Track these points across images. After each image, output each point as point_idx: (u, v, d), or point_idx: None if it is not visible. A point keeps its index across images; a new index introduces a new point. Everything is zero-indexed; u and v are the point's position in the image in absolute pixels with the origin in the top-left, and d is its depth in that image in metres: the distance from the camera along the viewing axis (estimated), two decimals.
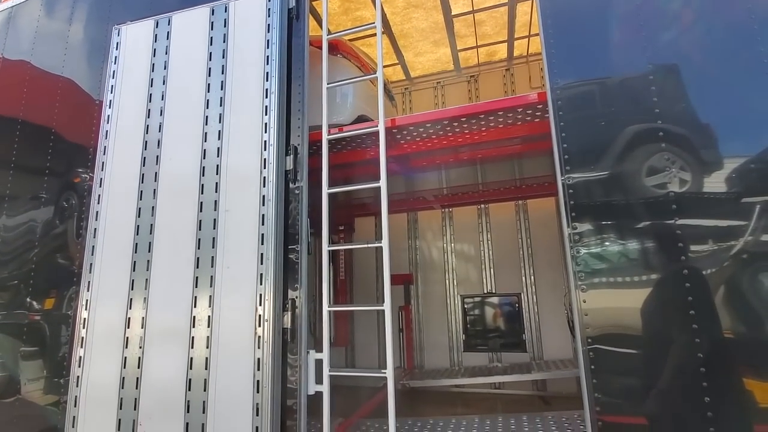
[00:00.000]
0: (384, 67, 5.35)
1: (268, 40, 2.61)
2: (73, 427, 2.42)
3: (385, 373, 2.12)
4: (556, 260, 4.57)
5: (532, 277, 4.75)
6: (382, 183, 2.32)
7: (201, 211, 2.47)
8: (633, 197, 1.89)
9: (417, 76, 5.67)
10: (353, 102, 3.23)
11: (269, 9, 2.67)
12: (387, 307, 2.18)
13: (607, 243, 1.87)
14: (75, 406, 2.45)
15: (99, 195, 2.74)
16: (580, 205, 1.91)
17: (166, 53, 2.84)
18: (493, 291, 4.87)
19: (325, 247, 2.39)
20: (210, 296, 2.33)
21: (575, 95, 2.04)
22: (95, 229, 2.69)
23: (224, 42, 2.70)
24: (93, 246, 2.67)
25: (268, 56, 2.58)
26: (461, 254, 5.10)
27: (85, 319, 2.56)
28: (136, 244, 2.57)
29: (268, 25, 2.64)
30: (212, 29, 2.76)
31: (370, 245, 2.27)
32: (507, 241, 4.89)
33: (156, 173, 2.64)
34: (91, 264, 2.65)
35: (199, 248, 2.42)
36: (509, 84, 5.32)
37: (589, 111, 2.01)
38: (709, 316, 1.72)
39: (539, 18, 2.18)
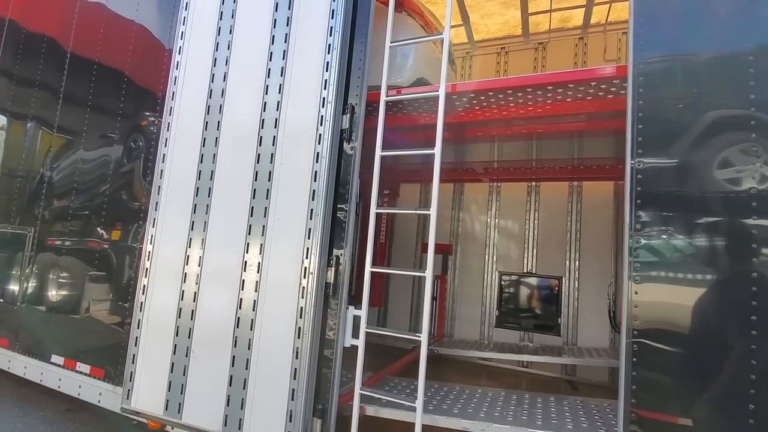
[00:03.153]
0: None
1: None
2: (135, 345, 2.72)
3: (419, 336, 2.19)
4: (604, 248, 4.38)
5: (577, 262, 4.60)
6: (437, 150, 2.28)
7: (258, 162, 2.56)
8: (708, 189, 1.74)
9: (480, 40, 5.38)
10: (413, 64, 3.14)
11: None
12: (429, 274, 2.22)
13: (671, 235, 1.76)
14: (138, 327, 2.74)
15: (166, 138, 2.90)
16: (649, 192, 1.79)
17: (235, 1, 2.86)
18: (534, 271, 4.78)
19: (373, 209, 2.42)
20: (261, 244, 2.46)
21: (661, 71, 1.86)
22: (162, 170, 2.87)
23: None
24: (159, 186, 2.86)
25: (333, 10, 2.54)
26: (504, 230, 5.00)
27: (149, 252, 2.80)
28: (198, 188, 2.72)
29: None
30: None
31: (419, 212, 2.28)
32: (555, 223, 4.72)
33: (219, 122, 2.75)
34: (156, 203, 2.85)
35: (254, 198, 2.53)
36: (581, 55, 4.93)
37: (673, 90, 1.83)
38: None
39: None
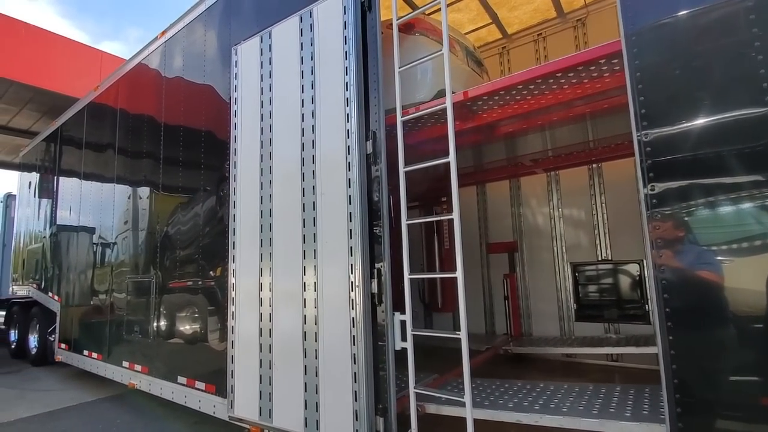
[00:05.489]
0: (475, 30, 5.19)
1: (345, 36, 2.87)
2: (232, 362, 3.25)
3: (459, 334, 2.31)
4: None
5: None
6: (452, 158, 2.43)
7: (303, 195, 2.95)
8: (723, 149, 1.64)
9: (515, 32, 5.31)
10: (432, 78, 3.32)
11: (345, 6, 2.92)
12: (459, 274, 2.34)
13: (690, 204, 1.68)
14: (232, 347, 3.27)
15: (234, 188, 3.46)
16: (660, 163, 1.74)
17: (270, 63, 3.35)
18: (609, 258, 4.48)
19: (404, 221, 2.63)
20: (314, 266, 2.82)
21: (654, 38, 1.81)
22: (234, 214, 3.43)
23: (311, 45, 3.07)
24: (234, 228, 3.42)
25: (346, 52, 2.86)
26: (570, 219, 4.78)
27: (233, 283, 3.35)
28: (261, 225, 3.20)
29: (345, 21, 2.90)
30: (302, 35, 3.15)
31: (442, 218, 2.43)
32: (625, 203, 4.39)
33: (270, 167, 3.22)
34: (233, 242, 3.41)
35: (304, 226, 2.92)
36: None
37: (670, 55, 1.77)
38: None
39: None
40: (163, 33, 4.78)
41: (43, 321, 7.21)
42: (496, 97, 2.77)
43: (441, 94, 3.27)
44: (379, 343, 2.57)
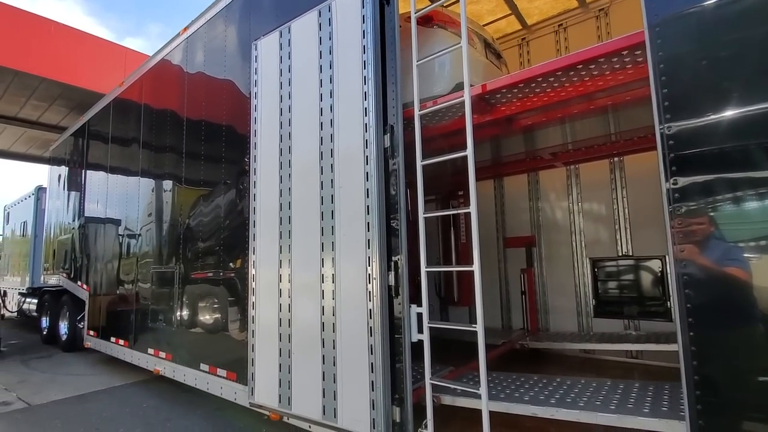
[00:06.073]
0: (494, 21, 5.12)
1: (363, 30, 2.88)
2: (252, 351, 3.34)
3: (475, 327, 2.33)
4: None
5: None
6: (469, 152, 2.43)
7: (322, 188, 3.00)
8: (749, 143, 1.60)
9: (535, 23, 5.22)
10: (450, 71, 3.30)
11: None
12: (476, 268, 2.35)
13: (713, 198, 1.65)
14: (253, 337, 3.36)
15: (254, 181, 3.54)
16: (682, 156, 1.71)
17: (289, 58, 3.39)
18: (630, 253, 4.40)
19: (421, 214, 2.65)
20: (333, 258, 2.87)
21: (679, 29, 1.77)
22: (254, 207, 3.50)
23: (330, 39, 3.09)
24: (254, 220, 3.50)
25: (364, 46, 2.87)
26: (590, 214, 4.70)
27: (253, 274, 3.43)
28: (281, 218, 3.27)
29: (363, 15, 2.91)
30: (320, 30, 3.18)
31: (459, 211, 2.43)
32: (647, 197, 4.30)
33: (289, 160, 3.27)
34: (253, 234, 3.49)
35: (322, 219, 2.96)
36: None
37: (696, 45, 1.73)
38: None
39: None
40: (185, 29, 4.88)
41: (73, 309, 7.52)
42: (515, 90, 2.74)
43: (459, 87, 3.26)
44: (396, 335, 2.61)
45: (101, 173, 6.74)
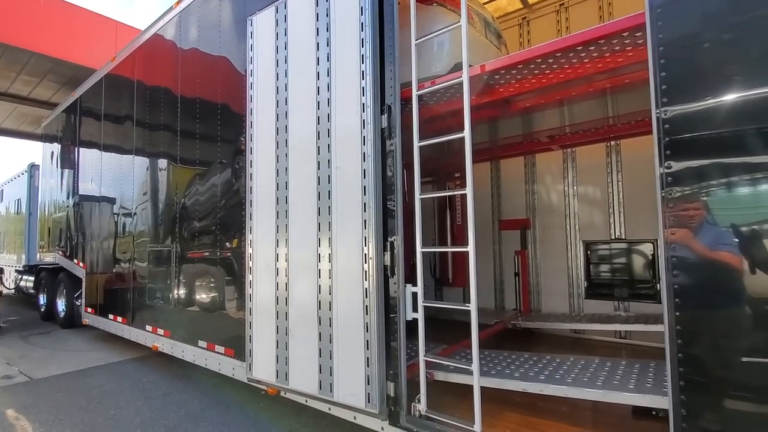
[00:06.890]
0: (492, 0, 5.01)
1: (362, 7, 2.83)
2: (250, 328, 3.40)
3: (469, 306, 2.38)
4: None
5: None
6: (467, 133, 2.43)
7: (319, 168, 3.00)
8: (747, 129, 1.61)
9: (536, 2, 5.12)
10: (449, 51, 3.26)
11: None
12: (471, 248, 2.39)
13: (707, 184, 1.68)
14: (250, 314, 3.42)
15: (250, 160, 3.52)
16: (678, 141, 1.72)
17: (285, 35, 3.33)
18: (623, 236, 4.46)
19: (417, 196, 2.66)
20: (329, 238, 2.89)
21: (681, 10, 1.76)
22: (251, 186, 3.50)
23: (327, 16, 3.03)
24: (250, 200, 3.50)
25: (362, 23, 2.82)
26: (585, 197, 4.74)
27: (250, 254, 3.46)
28: (277, 197, 3.27)
29: None
30: (317, 5, 3.11)
31: (455, 193, 2.45)
32: (641, 182, 4.32)
33: (286, 140, 3.26)
34: (250, 213, 3.50)
35: (319, 199, 2.97)
36: None
37: (697, 28, 1.72)
38: None
39: None
40: (178, 3, 4.76)
41: (70, 286, 7.57)
42: (514, 71, 2.72)
43: (457, 67, 3.22)
44: (391, 314, 2.66)
45: (95, 151, 6.67)
